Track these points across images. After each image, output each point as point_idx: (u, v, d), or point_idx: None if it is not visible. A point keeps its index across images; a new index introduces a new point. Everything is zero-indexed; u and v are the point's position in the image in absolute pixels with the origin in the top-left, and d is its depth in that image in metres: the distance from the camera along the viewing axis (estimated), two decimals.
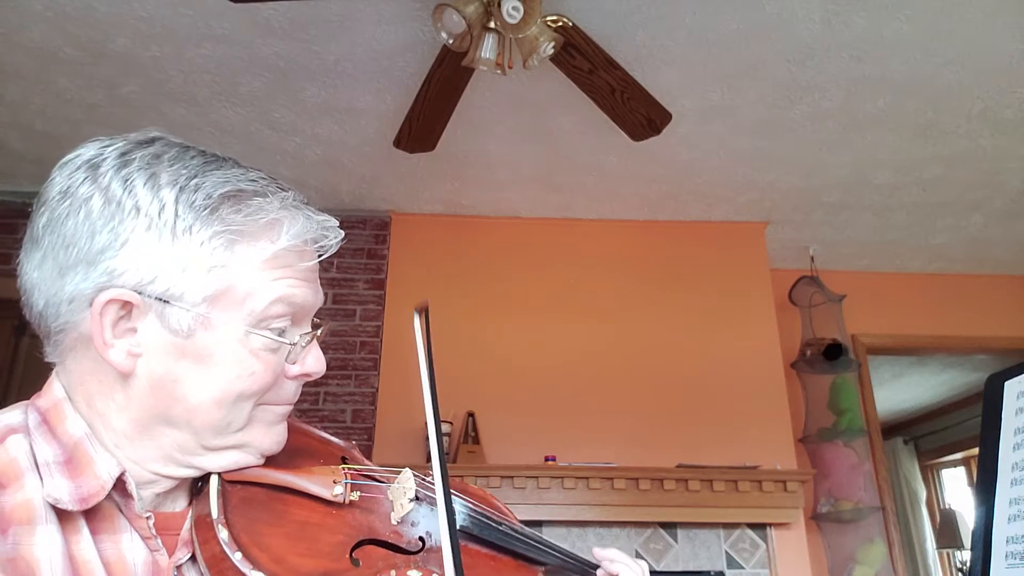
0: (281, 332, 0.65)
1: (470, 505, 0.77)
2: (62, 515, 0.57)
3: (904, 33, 2.45)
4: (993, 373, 0.76)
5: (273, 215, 0.63)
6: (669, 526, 3.13)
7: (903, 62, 2.58)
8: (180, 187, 0.61)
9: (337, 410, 3.27)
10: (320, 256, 0.68)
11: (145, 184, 0.60)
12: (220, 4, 2.33)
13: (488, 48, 2.04)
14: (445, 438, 3.13)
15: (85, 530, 0.58)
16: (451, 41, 2.03)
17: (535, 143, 3.12)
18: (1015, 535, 0.66)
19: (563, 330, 3.44)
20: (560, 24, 2.09)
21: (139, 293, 0.60)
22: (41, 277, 0.62)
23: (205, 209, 0.61)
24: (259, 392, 0.65)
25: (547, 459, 3.10)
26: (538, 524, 3.03)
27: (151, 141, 0.64)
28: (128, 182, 0.60)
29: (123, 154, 0.62)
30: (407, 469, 0.73)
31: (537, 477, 3.01)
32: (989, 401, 0.75)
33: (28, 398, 0.66)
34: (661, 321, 3.50)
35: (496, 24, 2.00)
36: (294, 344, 0.66)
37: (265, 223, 0.63)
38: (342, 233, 0.70)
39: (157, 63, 2.64)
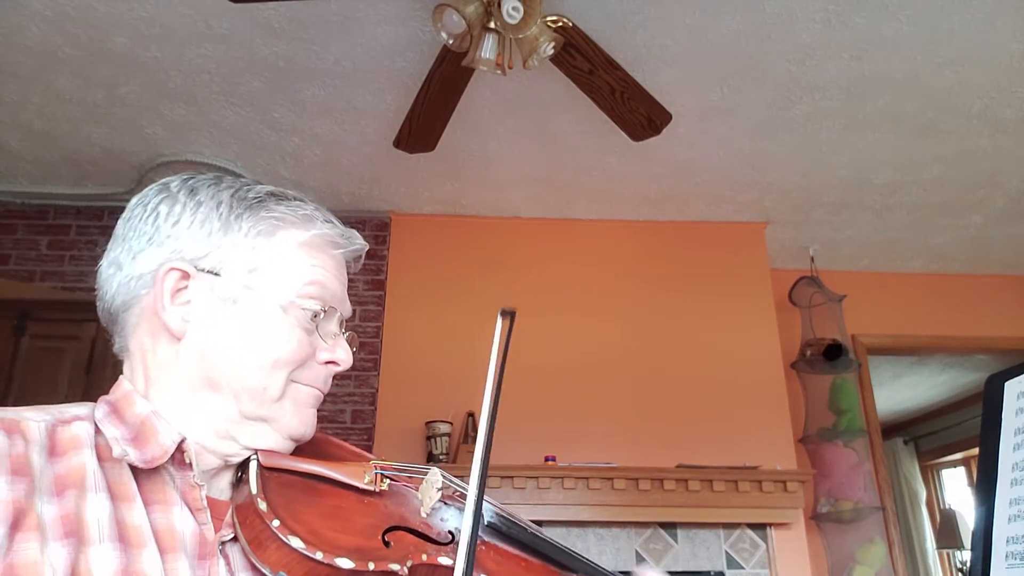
0: (313, 317, 0.73)
1: (499, 506, 0.77)
2: (115, 485, 0.62)
3: (904, 33, 2.45)
4: (993, 373, 0.76)
5: (308, 212, 0.76)
6: (669, 526, 3.13)
7: (903, 62, 2.58)
8: (236, 188, 0.75)
9: (337, 410, 3.27)
10: (346, 251, 0.78)
11: (207, 189, 0.74)
12: (220, 4, 2.33)
13: (488, 48, 2.04)
14: (445, 438, 3.13)
15: (138, 499, 0.63)
16: (451, 41, 2.03)
17: (535, 143, 3.12)
18: (1015, 535, 0.66)
19: (563, 330, 3.44)
20: (560, 24, 2.09)
21: (195, 267, 0.71)
22: (117, 266, 0.73)
23: (254, 200, 0.74)
24: (293, 361, 0.72)
25: (547, 459, 3.10)
26: (538, 524, 3.02)
27: (215, 174, 0.78)
28: (193, 190, 0.74)
29: (188, 179, 0.76)
30: (435, 468, 0.75)
31: (537, 477, 3.01)
32: (989, 401, 0.75)
33: (28, 398, 0.67)
34: (661, 321, 3.50)
35: (496, 24, 2.00)
36: (325, 312, 0.74)
37: (303, 215, 0.75)
38: (366, 244, 0.81)
39: (157, 63, 2.64)
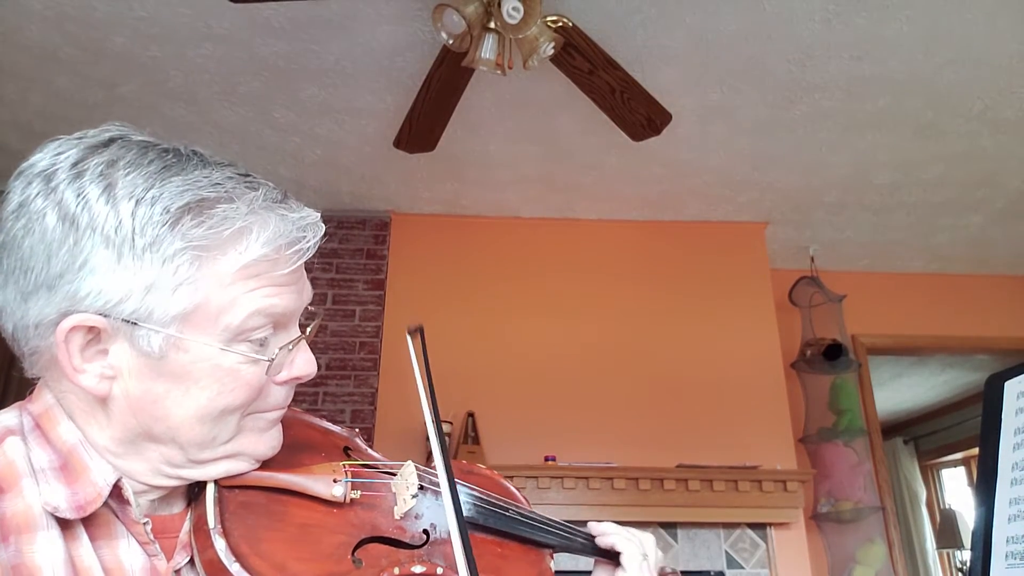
0: (263, 341, 0.62)
1: (475, 493, 0.76)
2: (62, 521, 0.56)
3: (904, 33, 2.45)
4: (993, 373, 0.76)
5: (240, 223, 0.59)
6: (669, 526, 3.13)
7: (903, 62, 2.58)
8: (137, 200, 0.57)
9: (336, 410, 3.27)
10: (299, 259, 0.63)
11: (99, 197, 0.57)
12: (220, 4, 2.33)
13: (488, 48, 2.04)
14: (445, 438, 3.13)
15: (84, 537, 0.57)
16: (451, 41, 2.03)
17: (535, 143, 3.12)
18: (1015, 535, 0.66)
19: (563, 330, 3.44)
20: (560, 24, 2.09)
21: (105, 316, 0.57)
22: (5, 300, 0.59)
23: (164, 225, 0.57)
24: (243, 406, 0.62)
25: (547, 459, 3.10)
26: None
27: (108, 143, 0.61)
28: (81, 195, 0.56)
29: (76, 163, 0.58)
30: (410, 462, 0.72)
31: (537, 477, 3.02)
32: (989, 401, 0.75)
33: (27, 398, 0.65)
34: (661, 321, 3.50)
35: (496, 24, 2.00)
36: (273, 358, 0.62)
37: (231, 234, 0.59)
38: (323, 228, 0.65)
39: (156, 63, 2.64)
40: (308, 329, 0.67)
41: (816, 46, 2.51)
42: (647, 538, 0.84)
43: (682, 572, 3.07)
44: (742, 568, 3.10)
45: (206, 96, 2.83)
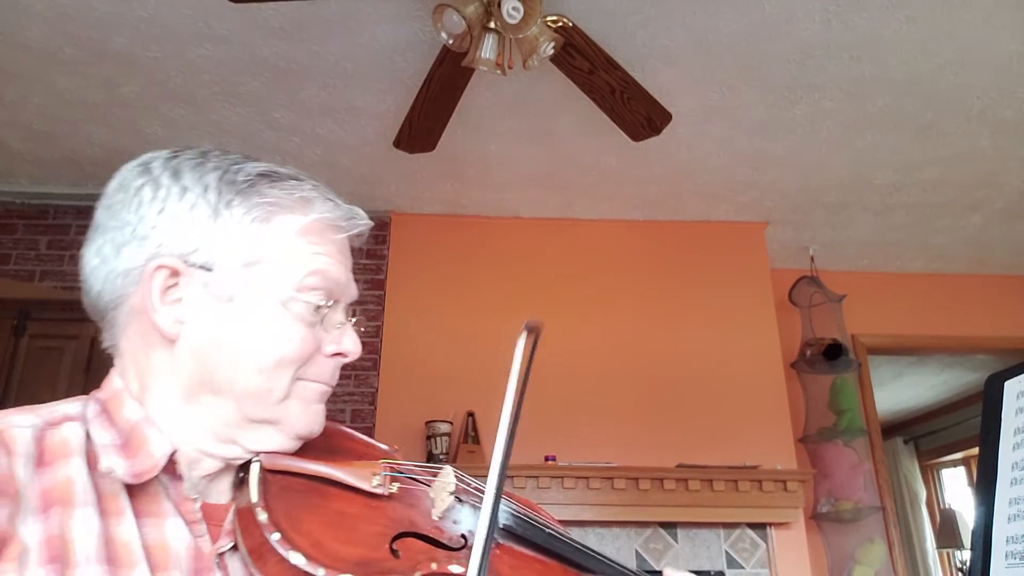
0: (317, 310, 0.68)
1: (515, 506, 0.74)
2: (105, 498, 0.59)
3: (904, 33, 2.45)
4: (993, 373, 0.76)
5: (306, 193, 0.70)
6: (669, 526, 3.13)
7: (903, 62, 2.58)
8: (223, 170, 0.68)
9: (336, 410, 3.27)
10: (352, 231, 0.72)
11: (192, 171, 0.67)
12: (220, 4, 2.33)
13: (488, 48, 2.04)
14: (445, 438, 3.13)
15: (129, 512, 0.59)
16: (451, 41, 2.03)
17: (535, 143, 3.12)
18: (1015, 535, 0.66)
19: (563, 330, 3.44)
20: (560, 24, 2.09)
21: (184, 262, 0.65)
22: (101, 260, 0.67)
23: (245, 184, 0.67)
24: (298, 360, 0.67)
25: (547, 459, 3.10)
26: None
27: (198, 148, 0.72)
28: (177, 171, 0.67)
29: (172, 153, 0.70)
30: (448, 467, 0.72)
31: (537, 477, 3.02)
32: (989, 401, 0.75)
33: (28, 398, 0.66)
34: (661, 321, 3.50)
35: (496, 24, 2.00)
36: (329, 307, 0.69)
37: (299, 198, 0.69)
38: (370, 221, 0.74)
39: (157, 63, 2.64)
40: (354, 319, 0.74)
41: (816, 46, 2.51)
42: None
43: None
44: (742, 568, 3.10)
45: (206, 96, 2.83)
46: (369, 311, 3.45)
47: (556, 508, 3.02)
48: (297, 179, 0.71)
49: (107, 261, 0.67)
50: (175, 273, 0.65)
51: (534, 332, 0.67)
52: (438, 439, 3.11)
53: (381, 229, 3.61)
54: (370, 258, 3.53)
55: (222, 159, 0.69)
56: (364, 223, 0.73)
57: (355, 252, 0.75)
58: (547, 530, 0.73)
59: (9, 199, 3.49)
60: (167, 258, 0.65)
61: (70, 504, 0.57)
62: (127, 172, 0.69)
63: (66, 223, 3.52)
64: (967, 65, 2.59)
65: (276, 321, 0.66)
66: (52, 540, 0.55)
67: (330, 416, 0.71)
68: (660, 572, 0.79)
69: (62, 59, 2.61)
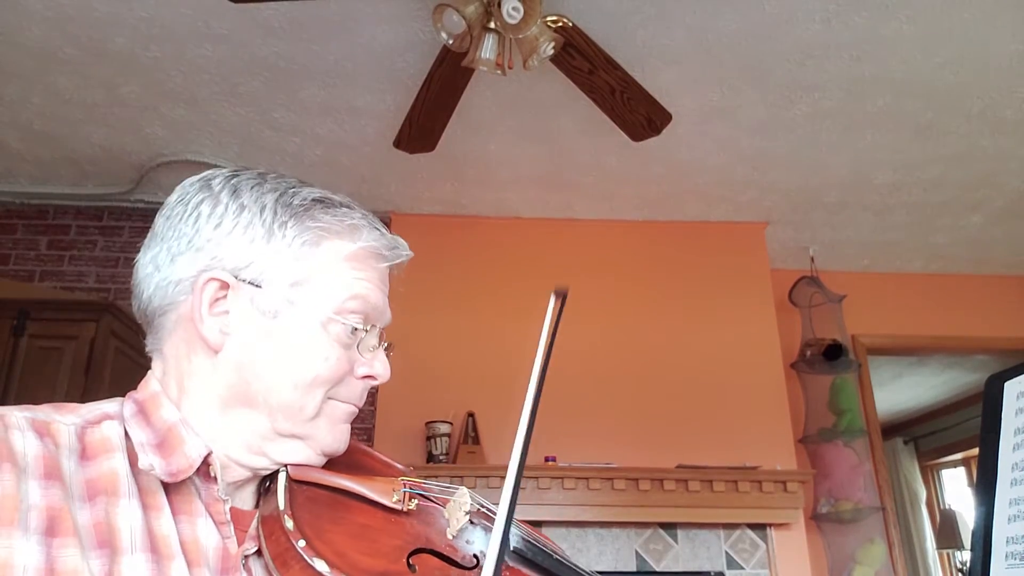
0: (353, 333, 0.71)
1: (525, 530, 0.76)
2: (145, 492, 0.62)
3: (904, 33, 2.45)
4: (993, 373, 0.76)
5: (355, 221, 0.73)
6: (669, 526, 3.13)
7: (903, 62, 2.58)
8: (280, 192, 0.71)
9: None
10: (394, 261, 0.75)
11: (251, 190, 0.71)
12: (220, 4, 2.33)
13: (488, 48, 2.04)
14: (445, 439, 3.13)
15: (166, 508, 0.62)
16: (451, 41, 2.03)
17: (535, 143, 3.12)
18: (1015, 535, 0.66)
19: (563, 330, 3.42)
20: (560, 24, 2.09)
21: (235, 276, 0.68)
22: (155, 267, 0.70)
23: (300, 208, 0.70)
24: (332, 380, 0.70)
25: (547, 459, 3.10)
26: (538, 524, 3.03)
27: (258, 169, 0.76)
28: (236, 190, 0.71)
29: (233, 172, 0.73)
30: (464, 488, 0.74)
31: (537, 477, 3.01)
32: (989, 401, 0.75)
33: (27, 398, 0.67)
34: (661, 321, 3.50)
35: (496, 24, 2.00)
36: (367, 331, 0.72)
37: (349, 225, 0.72)
38: (411, 253, 0.77)
39: (157, 63, 2.64)
40: (387, 343, 0.76)
41: (816, 46, 2.51)
42: None
43: (682, 572, 3.08)
44: (742, 568, 3.10)
45: (206, 96, 2.83)
46: None
47: (556, 509, 3.03)
48: (349, 207, 0.74)
49: (160, 269, 0.70)
50: (224, 286, 0.68)
51: (560, 296, 0.71)
52: (438, 439, 3.11)
53: None
54: None
55: (279, 181, 0.73)
56: (406, 254, 0.76)
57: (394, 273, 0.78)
58: (555, 556, 0.75)
59: (9, 199, 3.49)
60: (219, 271, 0.67)
61: (115, 494, 0.59)
62: (188, 186, 0.72)
63: (66, 223, 3.52)
64: (967, 65, 2.59)
65: (315, 340, 0.69)
66: (100, 525, 0.57)
67: None
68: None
69: (62, 59, 2.61)
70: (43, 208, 3.53)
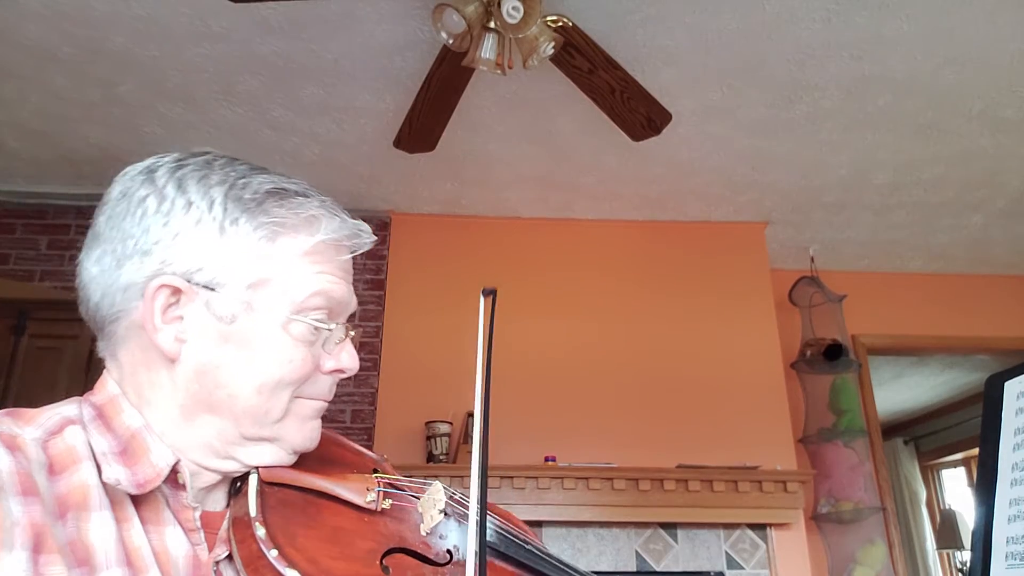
0: (317, 328, 0.68)
1: (498, 522, 0.76)
2: (115, 503, 0.59)
3: (904, 33, 2.44)
4: (993, 373, 0.76)
5: (313, 211, 0.68)
6: (669, 526, 3.13)
7: (903, 62, 2.58)
8: (229, 184, 0.66)
9: (337, 410, 3.26)
10: (357, 251, 0.72)
11: (198, 183, 0.66)
12: (218, 3, 2.33)
13: (488, 48, 2.04)
14: (445, 438, 3.13)
15: (136, 518, 0.60)
16: (451, 41, 2.03)
17: (535, 143, 3.11)
18: (1015, 535, 0.65)
19: (563, 330, 3.44)
20: (560, 24, 2.09)
21: (187, 281, 0.64)
22: (100, 270, 0.66)
23: (251, 202, 0.66)
24: (297, 381, 0.67)
25: (547, 459, 3.10)
26: (538, 524, 3.02)
27: (203, 153, 0.70)
28: (182, 183, 0.66)
29: (177, 160, 0.68)
30: (437, 482, 0.73)
31: (537, 477, 3.01)
32: (989, 401, 0.74)
33: (27, 398, 0.66)
34: (661, 321, 3.50)
35: (496, 24, 2.00)
36: (331, 330, 0.68)
37: (305, 217, 0.68)
38: (374, 236, 0.74)
39: (155, 62, 2.64)
40: (352, 332, 0.73)
41: (816, 46, 2.51)
42: None
43: (682, 572, 3.08)
44: (742, 568, 3.10)
45: (204, 95, 2.82)
46: (369, 311, 3.44)
47: (556, 509, 3.02)
48: (305, 195, 0.69)
49: (107, 273, 0.66)
50: (177, 292, 0.64)
51: (489, 295, 0.67)
52: (438, 439, 3.11)
53: (381, 229, 3.61)
54: (370, 258, 3.53)
55: (228, 170, 0.68)
56: (369, 240, 0.73)
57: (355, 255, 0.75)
58: (527, 546, 0.75)
59: (5, 199, 3.48)
60: (170, 276, 0.64)
61: (85, 508, 0.57)
62: (130, 179, 0.68)
63: (66, 223, 3.52)
64: (967, 65, 2.59)
65: (276, 343, 0.66)
66: (75, 544, 0.55)
67: (331, 416, 0.71)
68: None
69: (59, 58, 2.61)
70: (42, 208, 3.52)
